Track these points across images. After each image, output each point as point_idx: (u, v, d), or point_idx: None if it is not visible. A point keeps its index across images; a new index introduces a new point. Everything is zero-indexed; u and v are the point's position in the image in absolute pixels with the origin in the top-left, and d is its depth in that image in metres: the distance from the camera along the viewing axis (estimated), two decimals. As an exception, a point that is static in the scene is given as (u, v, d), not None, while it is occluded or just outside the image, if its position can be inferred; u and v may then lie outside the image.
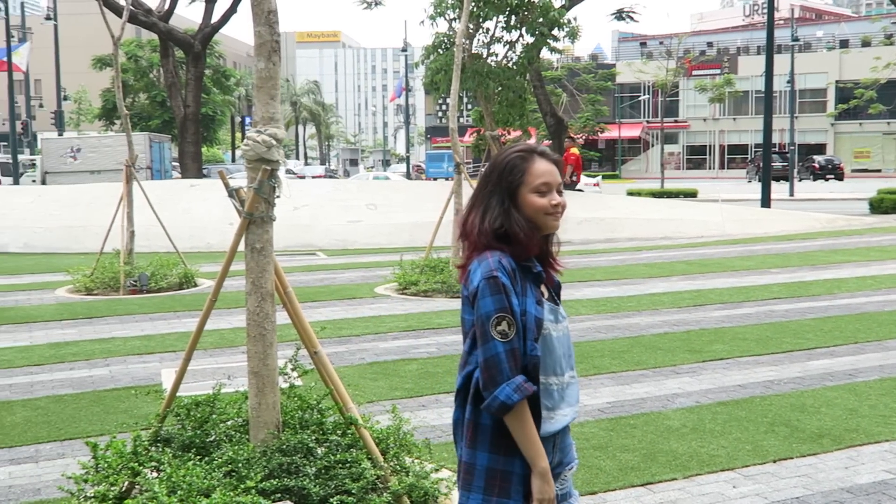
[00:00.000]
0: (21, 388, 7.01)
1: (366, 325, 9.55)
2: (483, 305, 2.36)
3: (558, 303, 2.57)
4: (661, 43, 64.37)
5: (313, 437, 4.24)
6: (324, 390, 4.45)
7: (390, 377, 7.20)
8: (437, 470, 4.45)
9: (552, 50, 24.15)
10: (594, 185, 33.48)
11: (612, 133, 63.30)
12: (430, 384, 6.97)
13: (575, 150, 23.61)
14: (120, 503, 4.01)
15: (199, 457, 4.16)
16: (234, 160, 67.14)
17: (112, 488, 4.09)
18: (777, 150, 54.20)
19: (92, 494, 4.12)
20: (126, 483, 4.17)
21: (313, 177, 50.17)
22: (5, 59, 33.98)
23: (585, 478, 4.82)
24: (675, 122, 69.63)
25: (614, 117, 64.38)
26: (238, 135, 70.81)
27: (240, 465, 3.98)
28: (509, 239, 2.44)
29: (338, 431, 4.34)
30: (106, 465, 4.20)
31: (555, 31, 22.82)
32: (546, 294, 2.53)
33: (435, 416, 6.06)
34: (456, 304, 10.91)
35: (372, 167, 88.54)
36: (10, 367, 7.74)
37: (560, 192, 2.51)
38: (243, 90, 69.94)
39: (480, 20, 21.58)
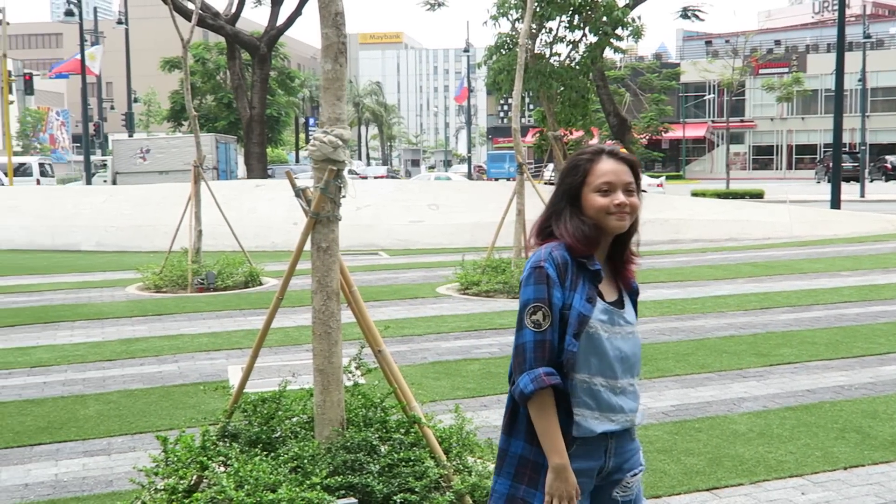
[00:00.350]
0: (94, 382, 7.21)
1: (428, 324, 9.59)
2: (524, 293, 2.42)
3: (624, 306, 2.52)
4: (727, 41, 63.35)
5: (377, 435, 4.27)
6: (387, 389, 4.48)
7: (452, 377, 7.22)
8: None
9: (615, 49, 23.96)
10: (658, 185, 33.10)
11: (676, 133, 62.56)
12: (492, 384, 6.97)
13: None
14: (189, 496, 4.09)
15: (265, 452, 4.22)
16: (297, 161, 68.01)
17: (181, 481, 4.18)
18: (847, 150, 52.86)
19: (162, 487, 4.21)
20: (195, 477, 4.26)
21: (375, 177, 50.51)
22: (80, 62, 34.96)
23: (650, 481, 4.77)
24: (742, 121, 68.38)
25: (678, 117, 63.53)
26: (302, 136, 71.69)
27: (305, 461, 4.03)
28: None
29: (401, 430, 4.37)
30: (175, 459, 4.30)
31: (618, 31, 22.66)
32: (613, 295, 2.50)
33: (497, 417, 6.05)
34: (516, 304, 10.87)
35: (433, 167, 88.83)
36: (84, 361, 7.96)
37: (630, 193, 2.45)
38: (307, 92, 70.81)
39: (543, 20, 21.51)
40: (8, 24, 39.08)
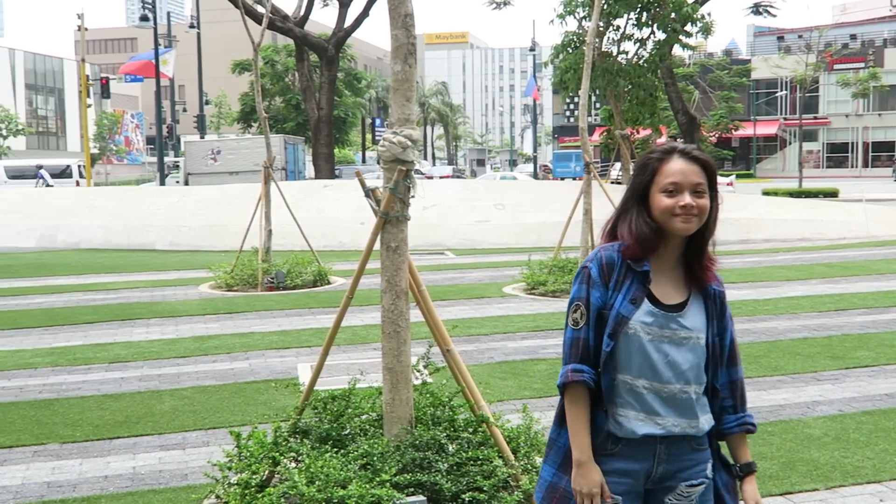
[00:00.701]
0: (169, 378, 7.39)
1: (494, 324, 9.60)
2: (571, 292, 2.51)
3: (685, 311, 2.42)
4: (799, 36, 61.81)
5: (445, 434, 4.30)
6: (455, 388, 4.51)
7: (519, 377, 7.21)
8: (567, 471, 4.43)
9: (684, 46, 23.62)
10: (728, 184, 32.53)
11: (746, 131, 61.35)
12: (559, 385, 6.93)
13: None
14: (261, 491, 4.17)
15: (335, 449, 4.28)
16: (364, 161, 68.60)
17: (254, 476, 4.26)
18: (927, 146, 51.14)
19: (235, 481, 4.30)
20: (267, 472, 4.34)
21: (441, 177, 50.69)
22: (149, 63, 35.82)
23: (721, 485, 4.69)
24: (815, 118, 66.70)
25: (749, 114, 62.27)
26: (368, 136, 72.29)
27: (374, 458, 4.07)
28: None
29: (469, 429, 4.39)
30: (248, 454, 4.39)
31: (687, 27, 22.33)
32: (677, 298, 2.42)
33: (564, 417, 6.02)
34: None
35: (498, 167, 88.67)
36: (159, 358, 8.17)
37: (700, 194, 2.37)
38: (374, 92, 71.35)
39: (611, 17, 21.31)
40: (86, 29, 40.28)
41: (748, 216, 19.96)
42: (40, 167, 35.79)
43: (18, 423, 6.15)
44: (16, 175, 36.79)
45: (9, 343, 8.98)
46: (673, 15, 21.69)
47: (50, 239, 20.65)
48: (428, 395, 4.61)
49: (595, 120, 45.81)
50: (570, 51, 22.63)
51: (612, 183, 27.27)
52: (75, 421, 6.16)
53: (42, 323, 10.11)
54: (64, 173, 37.38)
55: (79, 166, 38.97)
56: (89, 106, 42.16)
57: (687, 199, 2.35)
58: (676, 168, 2.38)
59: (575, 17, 21.96)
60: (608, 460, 2.42)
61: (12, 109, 65.36)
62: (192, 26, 44.08)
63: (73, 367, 7.86)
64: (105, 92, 42.71)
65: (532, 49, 59.00)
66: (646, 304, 2.38)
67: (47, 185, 33.32)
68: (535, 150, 64.71)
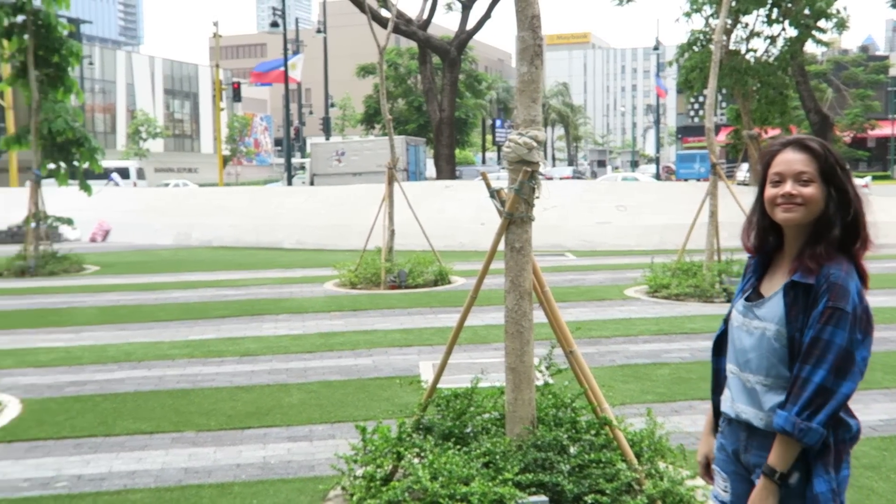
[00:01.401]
0: (296, 372, 7.64)
1: (616, 326, 9.49)
2: None
3: (765, 300, 2.41)
4: (945, 30, 58.41)
5: (567, 435, 4.30)
6: (577, 389, 4.50)
7: (642, 380, 7.12)
8: (692, 477, 4.36)
9: (817, 42, 22.73)
10: (863, 186, 31.09)
11: (883, 130, 58.43)
12: (683, 389, 6.81)
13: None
14: (385, 484, 4.27)
15: (457, 446, 4.34)
16: (483, 162, 68.87)
17: (379, 470, 4.37)
18: None
19: (360, 474, 4.42)
20: (391, 466, 4.44)
21: (561, 178, 50.36)
22: (279, 71, 37.00)
23: (856, 499, 4.52)
24: (960, 116, 62.89)
25: (887, 113, 59.27)
26: (488, 137, 72.49)
27: (497, 457, 4.11)
28: None
29: (591, 431, 4.37)
30: (373, 448, 4.50)
31: (821, 23, 21.48)
32: (774, 289, 2.41)
33: (689, 423, 5.92)
34: (709, 308, 10.57)
35: (618, 168, 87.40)
36: (287, 352, 8.45)
37: (805, 182, 2.34)
38: (494, 94, 71.51)
39: (739, 15, 20.72)
40: (220, 36, 41.97)
41: (885, 220, 19.02)
42: (111, 171, 37.51)
43: (158, 410, 6.48)
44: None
45: (148, 335, 9.47)
46: (806, 10, 20.92)
47: (185, 237, 21.66)
48: (550, 396, 4.62)
49: (721, 119, 44.60)
50: (696, 49, 22.13)
51: (739, 184, 26.48)
52: (209, 410, 6.45)
53: (178, 317, 10.62)
54: (122, 175, 39.42)
55: (138, 169, 41.31)
56: (222, 109, 43.95)
57: (787, 187, 2.35)
58: (783, 158, 2.39)
59: (701, 15, 21.48)
60: (718, 437, 2.61)
61: (151, 113, 68.75)
62: (318, 31, 45.30)
63: (207, 359, 8.22)
64: (236, 96, 44.37)
65: (656, 48, 57.94)
66: (746, 296, 2.50)
67: (116, 186, 34.94)
68: (657, 151, 63.49)
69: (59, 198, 18.67)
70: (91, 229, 22.65)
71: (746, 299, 2.49)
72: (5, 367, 7.92)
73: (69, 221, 16.88)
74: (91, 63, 63.17)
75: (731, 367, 2.51)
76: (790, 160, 2.37)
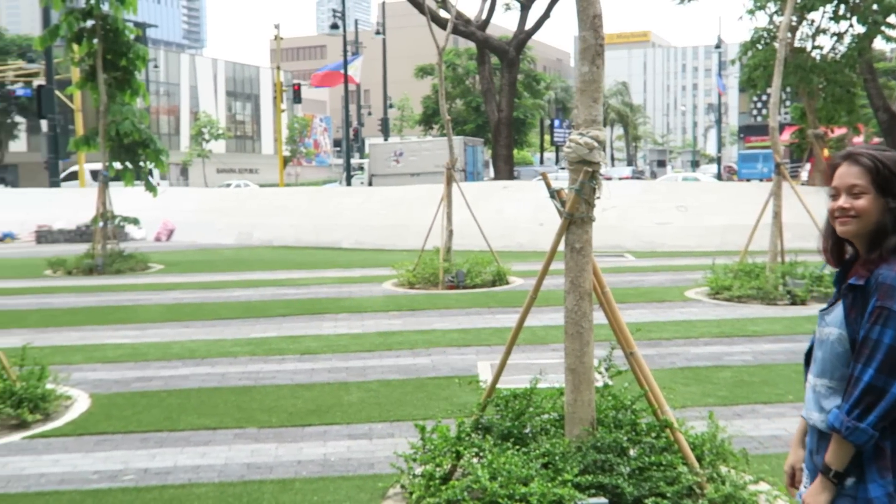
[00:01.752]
0: (355, 371, 7.72)
1: (676, 328, 9.39)
2: None
3: (833, 307, 2.48)
4: None
5: (627, 437, 4.27)
6: (637, 391, 4.46)
7: (703, 383, 7.03)
8: (755, 482, 4.30)
9: (888, 39, 22.14)
10: None
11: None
12: (745, 393, 6.71)
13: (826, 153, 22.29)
14: (444, 483, 4.30)
15: (516, 446, 4.35)
16: (541, 162, 68.63)
17: (438, 469, 4.40)
18: None
19: (420, 473, 4.45)
20: (450, 465, 4.46)
21: (620, 178, 49.90)
22: (337, 72, 37.39)
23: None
24: None
25: (961, 111, 57.45)
26: (546, 137, 72.21)
27: (556, 457, 4.11)
28: None
29: (652, 433, 4.34)
30: (432, 447, 4.53)
31: (890, 19, 20.94)
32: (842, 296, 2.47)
33: (751, 427, 5.83)
34: (772, 311, 10.39)
35: (679, 169, 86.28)
36: (346, 351, 8.54)
37: (857, 195, 2.39)
38: (552, 94, 71.20)
39: (805, 11, 20.32)
40: (281, 39, 42.54)
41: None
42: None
43: (221, 407, 6.61)
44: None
45: (212, 333, 9.65)
46: (874, 6, 20.41)
47: (246, 236, 22.01)
48: (610, 398, 4.59)
49: (785, 118, 43.74)
50: (760, 47, 21.77)
51: (803, 184, 25.97)
52: (271, 407, 6.56)
53: (240, 315, 10.80)
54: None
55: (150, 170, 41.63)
56: (283, 111, 44.51)
57: (840, 201, 2.43)
58: (839, 172, 2.46)
59: (765, 13, 21.14)
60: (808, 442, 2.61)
61: (214, 115, 70.01)
62: (377, 33, 45.66)
63: (269, 356, 8.35)
64: (297, 97, 44.93)
65: (717, 46, 57.10)
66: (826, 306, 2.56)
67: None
68: (719, 151, 62.55)
69: (126, 198, 19.12)
70: (156, 229, 23.16)
71: (822, 309, 2.55)
72: (75, 363, 8.15)
73: (135, 221, 17.28)
74: (156, 66, 64.66)
75: (808, 376, 2.57)
76: (843, 174, 2.44)
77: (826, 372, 2.45)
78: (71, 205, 25.07)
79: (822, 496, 2.37)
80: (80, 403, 6.77)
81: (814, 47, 21.27)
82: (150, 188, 17.04)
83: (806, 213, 11.37)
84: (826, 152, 23.28)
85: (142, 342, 9.18)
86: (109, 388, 7.26)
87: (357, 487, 4.92)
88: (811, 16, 20.94)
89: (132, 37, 15.95)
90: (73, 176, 38.90)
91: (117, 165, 16.65)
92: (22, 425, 6.15)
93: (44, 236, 23.32)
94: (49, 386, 6.59)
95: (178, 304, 11.84)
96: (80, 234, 22.49)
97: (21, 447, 5.77)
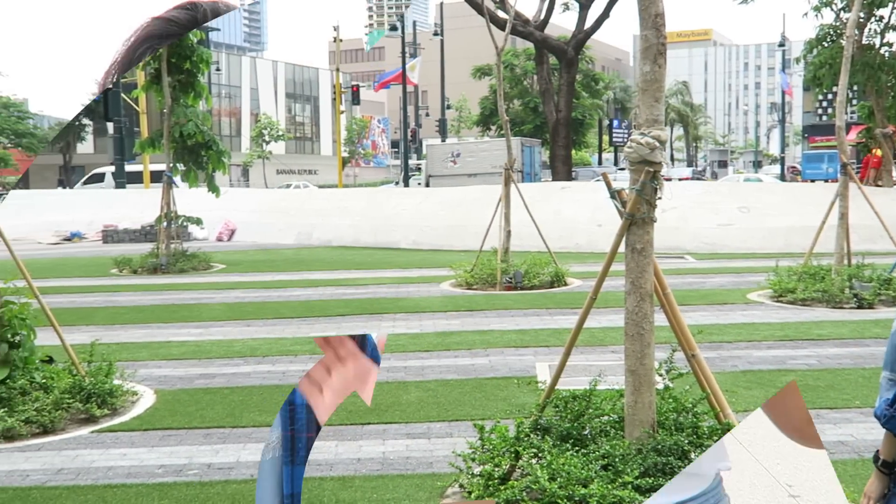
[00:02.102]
0: (414, 370, 7.76)
1: (738, 331, 9.24)
2: None
3: None
4: None
5: (688, 441, 4.22)
6: (699, 394, 4.41)
7: (765, 387, 6.91)
8: (820, 488, 4.21)
9: (960, 35, 21.51)
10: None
11: None
12: (810, 398, 6.58)
13: (878, 153, 21.65)
14: (503, 483, 4.30)
15: (575, 448, 4.33)
16: (600, 163, 68.06)
17: (496, 469, 4.40)
18: None
19: (478, 472, 4.46)
20: (508, 465, 4.46)
21: (680, 179, 49.25)
22: (402, 74, 37.62)
23: None
24: None
25: None
26: (605, 138, 71.60)
27: (616, 459, 4.08)
28: None
29: (714, 437, 4.27)
30: (491, 447, 4.54)
31: (964, 14, 20.34)
32: None
33: (816, 432, 5.71)
34: (838, 314, 10.16)
35: (741, 171, 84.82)
36: (405, 351, 8.59)
37: None
38: (611, 94, 70.58)
39: (873, 7, 19.83)
40: (340, 40, 42.94)
41: None
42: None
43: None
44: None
45: (272, 331, 9.79)
46: (946, 1, 19.83)
47: (306, 236, 22.27)
48: (670, 400, 4.55)
49: (852, 118, 42.72)
50: (826, 45, 21.30)
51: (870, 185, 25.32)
52: (331, 406, 6.62)
53: (301, 314, 10.93)
54: (97, 180, 39.89)
55: (113, 173, 42.18)
56: (342, 112, 44.91)
57: None
58: None
59: (832, 9, 20.67)
60: None
61: (274, 117, 70.96)
62: (435, 34, 45.81)
63: (328, 355, 8.42)
64: (355, 99, 45.31)
65: (781, 44, 55.94)
66: None
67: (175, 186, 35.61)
68: (782, 151, 61.31)
69: (189, 198, 19.50)
70: (218, 229, 23.57)
71: None
72: (140, 360, 8.35)
73: (198, 221, 17.60)
74: (218, 69, 65.70)
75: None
76: None
77: (888, 364, 2.44)
78: (136, 205, 25.66)
79: (874, 485, 2.38)
80: (146, 399, 6.93)
81: (882, 44, 20.73)
82: (213, 189, 17.35)
83: (873, 215, 11.11)
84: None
85: (205, 340, 9.35)
86: (174, 384, 7.41)
87: (416, 486, 4.95)
88: (880, 12, 20.42)
89: (195, 40, 16.26)
90: (94, 178, 39.74)
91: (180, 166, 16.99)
92: (90, 419, 6.33)
93: (110, 236, 23.93)
94: (116, 382, 6.77)
95: (239, 303, 12.03)
96: (145, 234, 23.02)
97: (90, 441, 5.93)
